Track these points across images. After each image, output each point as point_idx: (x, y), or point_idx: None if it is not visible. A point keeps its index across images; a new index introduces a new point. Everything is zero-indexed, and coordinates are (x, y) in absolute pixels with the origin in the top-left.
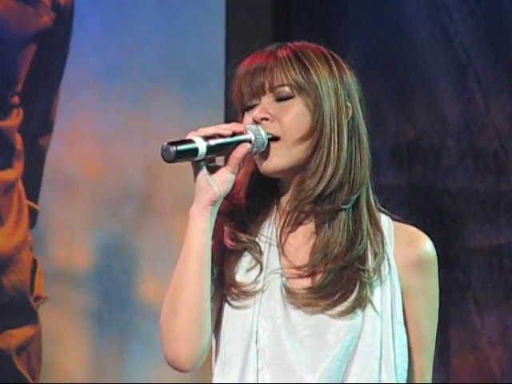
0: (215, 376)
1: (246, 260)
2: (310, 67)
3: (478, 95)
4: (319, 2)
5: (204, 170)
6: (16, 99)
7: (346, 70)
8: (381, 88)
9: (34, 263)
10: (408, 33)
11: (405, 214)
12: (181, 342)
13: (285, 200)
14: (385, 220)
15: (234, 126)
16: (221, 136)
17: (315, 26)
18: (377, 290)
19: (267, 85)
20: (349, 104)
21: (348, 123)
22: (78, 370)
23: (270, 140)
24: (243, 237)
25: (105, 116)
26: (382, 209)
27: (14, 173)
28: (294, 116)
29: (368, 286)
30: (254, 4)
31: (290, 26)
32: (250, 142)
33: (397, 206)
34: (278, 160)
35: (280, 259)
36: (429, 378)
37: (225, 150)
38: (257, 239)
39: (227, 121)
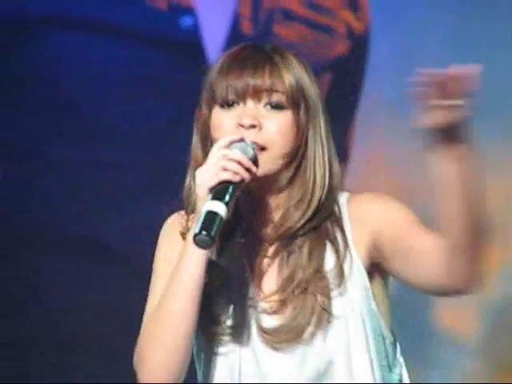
0: None
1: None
2: (303, 76)
3: None
4: None
5: None
6: None
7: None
8: None
9: None
10: None
11: None
12: (161, 374)
13: (255, 224)
14: (342, 202)
15: (237, 165)
16: (228, 182)
17: None
18: (338, 298)
19: (261, 88)
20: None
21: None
22: None
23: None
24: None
25: (398, 143)
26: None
27: None
28: (284, 130)
29: (328, 297)
30: None
31: None
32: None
33: None
34: (262, 171)
35: (249, 288)
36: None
37: (235, 194)
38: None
39: None
